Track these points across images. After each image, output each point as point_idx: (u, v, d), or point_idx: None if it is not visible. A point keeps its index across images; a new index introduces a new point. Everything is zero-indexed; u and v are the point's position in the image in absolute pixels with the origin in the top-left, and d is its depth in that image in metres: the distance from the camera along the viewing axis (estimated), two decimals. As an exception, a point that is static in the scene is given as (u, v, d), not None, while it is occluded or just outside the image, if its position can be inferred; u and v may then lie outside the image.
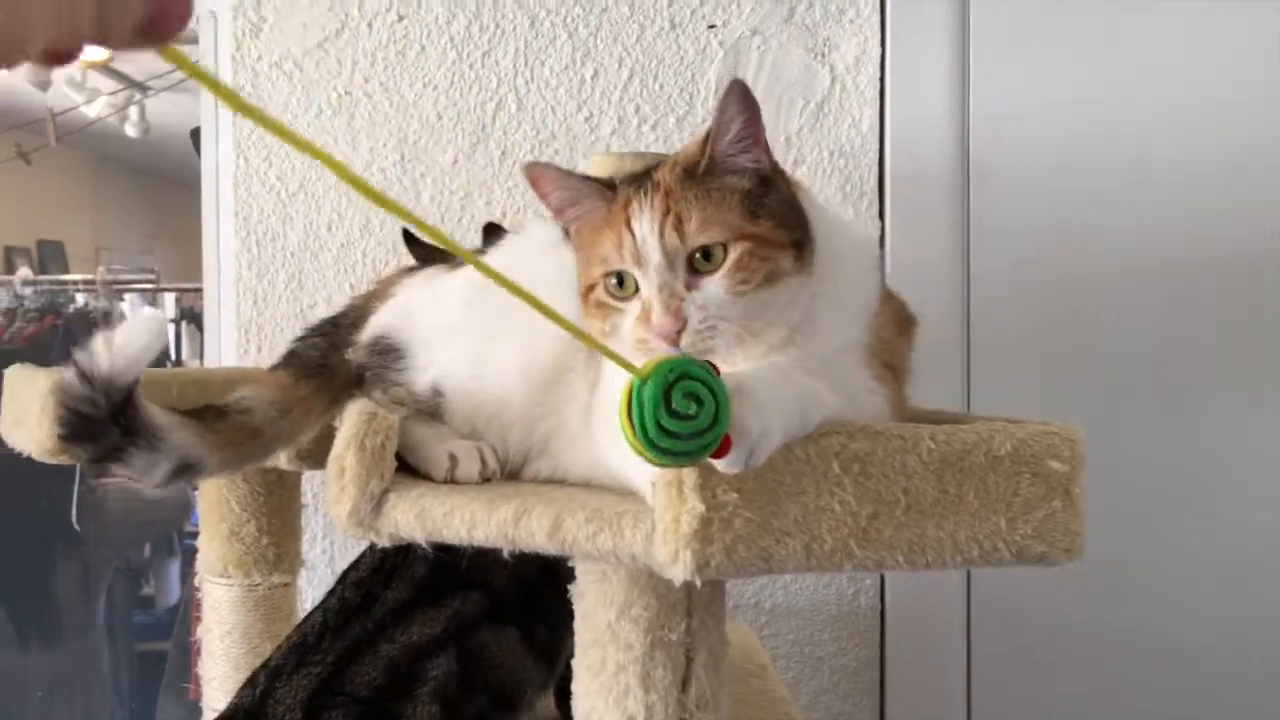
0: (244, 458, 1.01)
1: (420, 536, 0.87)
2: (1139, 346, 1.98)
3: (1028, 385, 1.96)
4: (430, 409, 1.01)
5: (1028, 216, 1.99)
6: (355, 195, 1.99)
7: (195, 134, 2.10)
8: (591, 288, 0.87)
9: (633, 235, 0.84)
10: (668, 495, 0.74)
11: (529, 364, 0.96)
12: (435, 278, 1.11)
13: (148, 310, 3.92)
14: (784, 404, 0.75)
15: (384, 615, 1.12)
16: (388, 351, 1.06)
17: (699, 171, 0.84)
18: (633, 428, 0.66)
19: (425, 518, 0.87)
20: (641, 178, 0.88)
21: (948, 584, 1.97)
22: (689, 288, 0.82)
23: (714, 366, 0.69)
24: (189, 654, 2.07)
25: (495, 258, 1.07)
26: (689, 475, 0.73)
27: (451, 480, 0.94)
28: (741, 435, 0.68)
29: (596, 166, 1.63)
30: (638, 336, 0.83)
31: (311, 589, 1.91)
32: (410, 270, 1.17)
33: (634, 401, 0.66)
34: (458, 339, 1.01)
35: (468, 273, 1.05)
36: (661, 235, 0.82)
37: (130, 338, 0.86)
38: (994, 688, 1.98)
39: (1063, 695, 1.98)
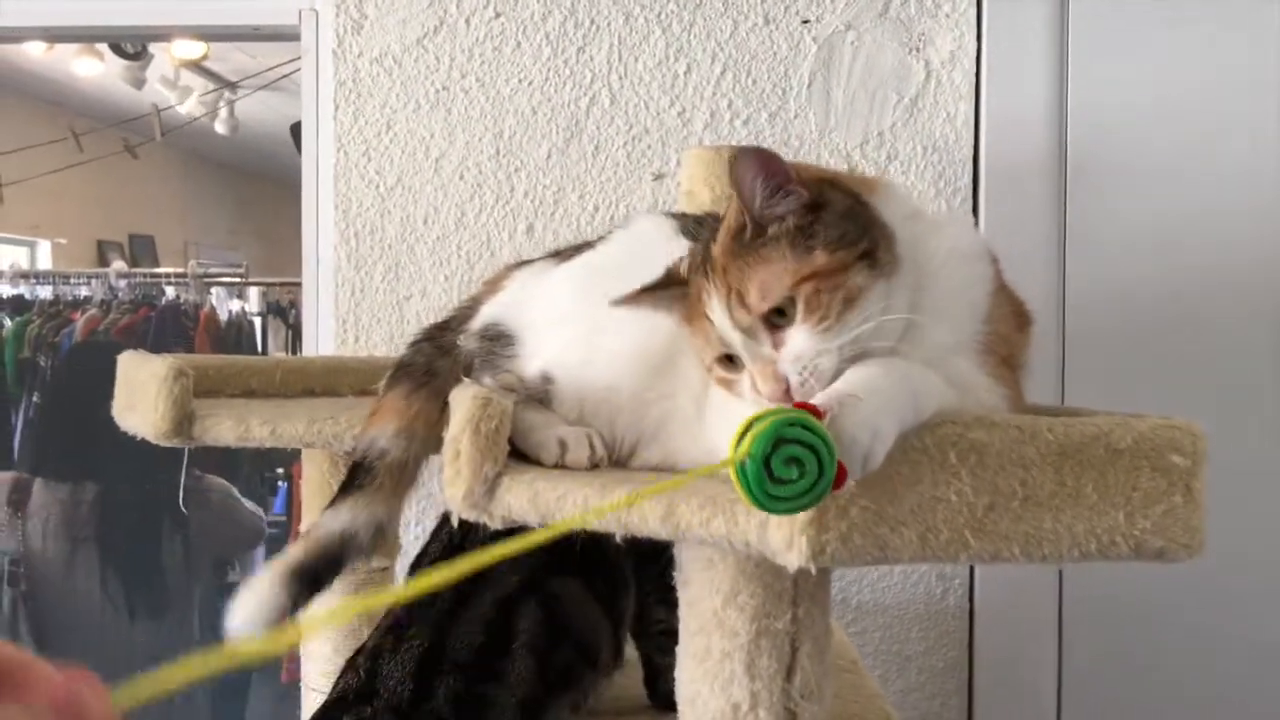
0: (405, 488, 1.09)
1: (533, 519, 0.88)
2: (1239, 348, 1.93)
3: (1123, 385, 1.93)
4: (539, 395, 1.02)
5: (1126, 214, 1.95)
6: (450, 190, 2.03)
7: (295, 129, 2.15)
8: (710, 368, 0.91)
9: (713, 324, 0.87)
10: (785, 482, 0.74)
11: (643, 349, 0.97)
12: (545, 269, 1.13)
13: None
14: (893, 400, 0.75)
15: (461, 583, 1.15)
16: (498, 338, 1.08)
17: (746, 239, 0.86)
18: (748, 496, 0.68)
19: (538, 501, 0.88)
20: (706, 256, 0.90)
21: (1038, 584, 1.94)
22: (778, 346, 0.83)
23: (812, 408, 0.70)
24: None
25: (604, 251, 1.09)
26: (805, 464, 0.73)
27: (561, 465, 0.95)
28: (852, 449, 0.69)
29: (693, 160, 1.64)
30: (757, 403, 0.84)
31: (405, 573, 1.94)
32: (521, 264, 1.20)
33: (740, 481, 0.68)
34: (568, 327, 1.03)
35: (578, 263, 1.08)
36: (731, 316, 0.85)
37: None
38: (1086, 691, 1.95)
39: (1157, 699, 1.94)
